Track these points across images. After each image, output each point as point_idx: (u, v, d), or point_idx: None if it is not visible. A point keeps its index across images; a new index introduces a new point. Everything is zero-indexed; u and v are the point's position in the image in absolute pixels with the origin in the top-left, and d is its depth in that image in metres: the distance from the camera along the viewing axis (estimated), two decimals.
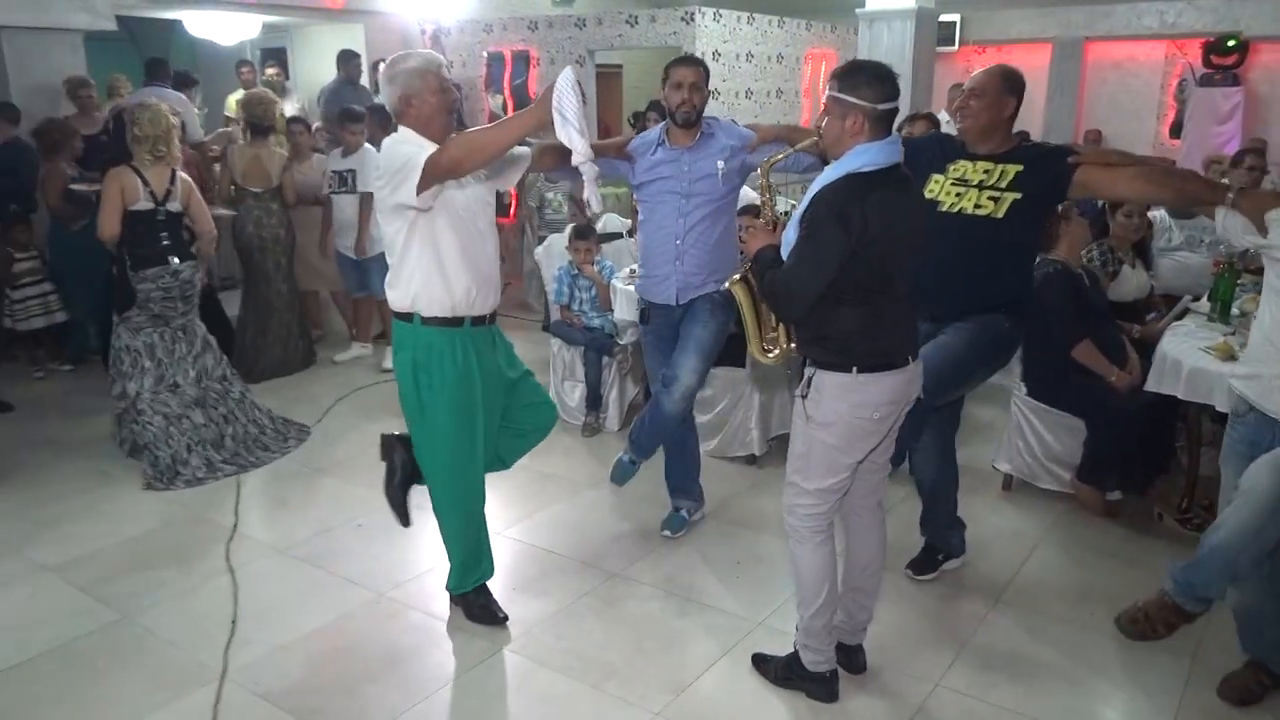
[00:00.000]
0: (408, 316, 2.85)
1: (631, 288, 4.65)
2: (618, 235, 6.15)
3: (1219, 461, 2.78)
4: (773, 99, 8.81)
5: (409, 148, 2.66)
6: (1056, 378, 3.89)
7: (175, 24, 9.02)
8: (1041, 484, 4.03)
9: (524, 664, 2.93)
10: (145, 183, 4.25)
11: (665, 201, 3.38)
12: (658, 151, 3.38)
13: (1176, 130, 10.35)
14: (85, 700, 2.75)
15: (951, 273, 2.93)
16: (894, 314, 2.47)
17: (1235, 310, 3.95)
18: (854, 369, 2.42)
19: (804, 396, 2.52)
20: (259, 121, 5.68)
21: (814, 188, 2.36)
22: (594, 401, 4.89)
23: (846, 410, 2.45)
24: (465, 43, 9.01)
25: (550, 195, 6.88)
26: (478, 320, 2.91)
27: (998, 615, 3.18)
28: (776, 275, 2.44)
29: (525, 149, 3.04)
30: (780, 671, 2.77)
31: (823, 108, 2.42)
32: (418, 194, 2.62)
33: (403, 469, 3.09)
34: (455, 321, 2.85)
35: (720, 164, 3.31)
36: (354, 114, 5.75)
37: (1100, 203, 4.58)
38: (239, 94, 7.68)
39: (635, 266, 5.07)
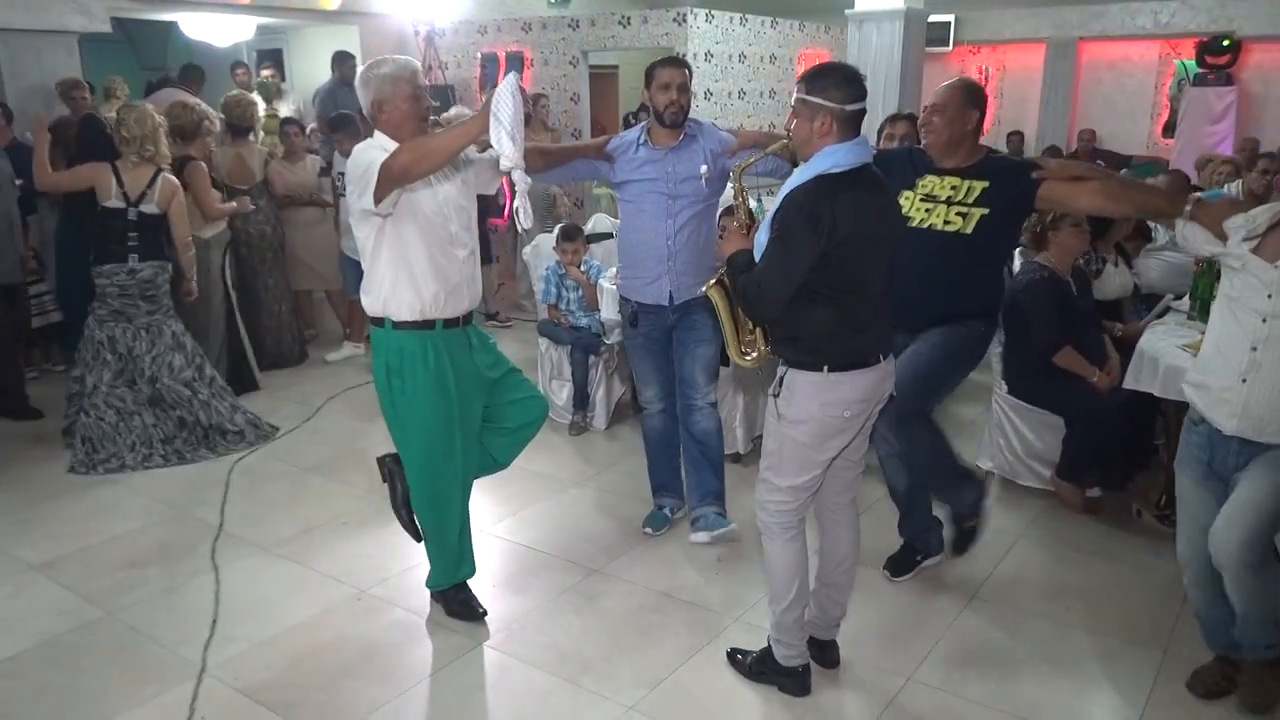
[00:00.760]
0: (380, 321, 2.88)
1: (614, 288, 4.68)
2: (608, 235, 6.18)
3: (1174, 465, 2.79)
4: (766, 100, 8.85)
5: (373, 153, 2.66)
6: (1036, 377, 3.92)
7: (172, 26, 9.07)
8: (1022, 481, 4.06)
9: (502, 659, 2.96)
10: (120, 182, 4.30)
11: (651, 202, 3.39)
12: (640, 151, 3.39)
13: (1170, 130, 10.38)
14: (66, 696, 2.78)
15: (924, 288, 2.97)
16: (866, 313, 2.50)
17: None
18: (825, 368, 2.45)
19: (776, 395, 2.55)
20: (237, 123, 5.75)
21: (784, 190, 2.39)
22: (581, 400, 4.92)
23: (818, 409, 2.48)
24: (459, 44, 9.06)
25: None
26: (450, 323, 2.91)
27: (973, 611, 3.21)
28: (749, 278, 2.47)
29: (513, 76, 3.08)
30: (753, 666, 2.80)
31: (791, 111, 2.45)
32: (376, 201, 2.64)
33: (404, 487, 3.10)
34: (426, 324, 2.86)
35: (704, 168, 3.33)
36: (333, 122, 5.84)
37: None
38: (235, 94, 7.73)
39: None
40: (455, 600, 3.16)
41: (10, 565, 3.53)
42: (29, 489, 4.21)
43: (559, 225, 5.21)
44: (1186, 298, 4.25)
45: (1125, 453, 3.89)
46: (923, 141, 3.05)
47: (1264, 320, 2.44)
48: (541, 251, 5.41)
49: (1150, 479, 4.01)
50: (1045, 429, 3.97)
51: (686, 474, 3.71)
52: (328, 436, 4.87)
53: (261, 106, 6.77)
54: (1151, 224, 5.17)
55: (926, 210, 2.99)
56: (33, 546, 3.67)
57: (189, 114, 5.04)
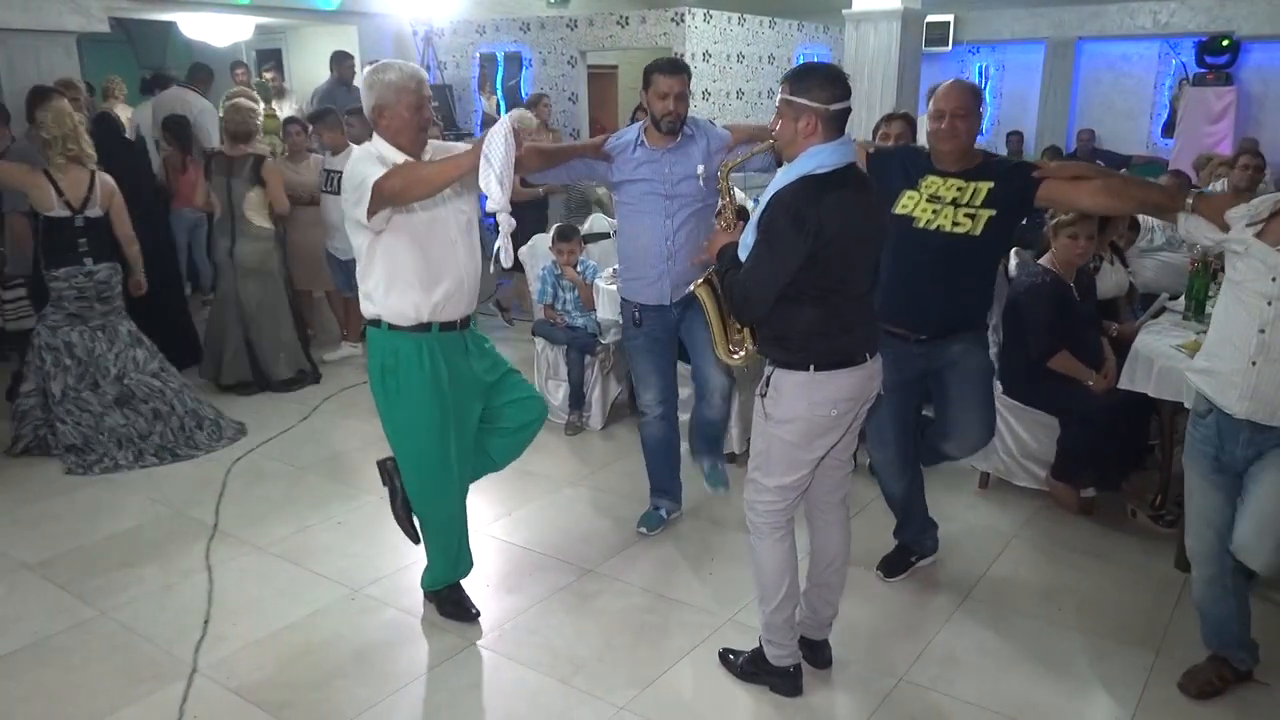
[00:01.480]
0: (376, 322, 2.88)
1: (613, 288, 4.68)
2: (605, 235, 6.18)
3: (1183, 458, 2.79)
4: (765, 100, 8.84)
5: (367, 166, 2.66)
6: (1031, 377, 3.91)
7: (172, 26, 9.08)
8: (1018, 481, 4.05)
9: (494, 658, 2.96)
10: (59, 191, 4.24)
11: (649, 203, 3.39)
12: (637, 151, 3.38)
13: (1169, 130, 10.37)
14: (58, 696, 2.78)
15: (933, 289, 2.97)
16: (852, 312, 2.50)
17: (1209, 309, 3.96)
18: (811, 367, 2.45)
19: (763, 395, 2.55)
20: (236, 130, 5.74)
21: (769, 190, 2.39)
22: (577, 400, 4.92)
23: (805, 408, 2.48)
24: (458, 44, 9.06)
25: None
26: (447, 326, 2.91)
27: (966, 611, 3.21)
28: (735, 278, 2.47)
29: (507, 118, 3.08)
30: (745, 666, 2.80)
31: (776, 111, 2.45)
32: (368, 217, 2.65)
33: (403, 489, 3.10)
34: (423, 327, 2.86)
35: (700, 167, 3.32)
36: (314, 115, 5.86)
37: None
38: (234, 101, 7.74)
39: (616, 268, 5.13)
40: (448, 600, 3.17)
41: (5, 564, 3.53)
42: (25, 488, 4.21)
43: (555, 226, 5.20)
44: (1182, 298, 4.25)
45: (1120, 453, 3.89)
46: (938, 146, 2.96)
47: (1269, 303, 2.44)
48: (538, 251, 5.41)
49: (1145, 479, 4.01)
50: (1040, 429, 3.96)
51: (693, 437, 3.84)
52: (325, 436, 4.87)
53: (260, 107, 6.78)
54: (1144, 223, 5.17)
55: (934, 211, 2.94)
56: (28, 545, 3.67)
57: (243, 117, 5.19)
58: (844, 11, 7.75)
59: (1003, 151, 10.13)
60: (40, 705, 2.74)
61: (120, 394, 4.48)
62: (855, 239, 2.40)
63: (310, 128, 6.16)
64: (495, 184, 2.44)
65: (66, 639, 3.06)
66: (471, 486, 3.17)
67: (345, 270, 5.91)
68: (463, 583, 3.22)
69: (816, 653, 2.85)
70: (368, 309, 2.89)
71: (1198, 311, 3.99)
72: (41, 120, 4.27)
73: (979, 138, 3.08)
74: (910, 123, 4.23)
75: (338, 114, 5.91)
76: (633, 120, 6.22)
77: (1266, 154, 6.30)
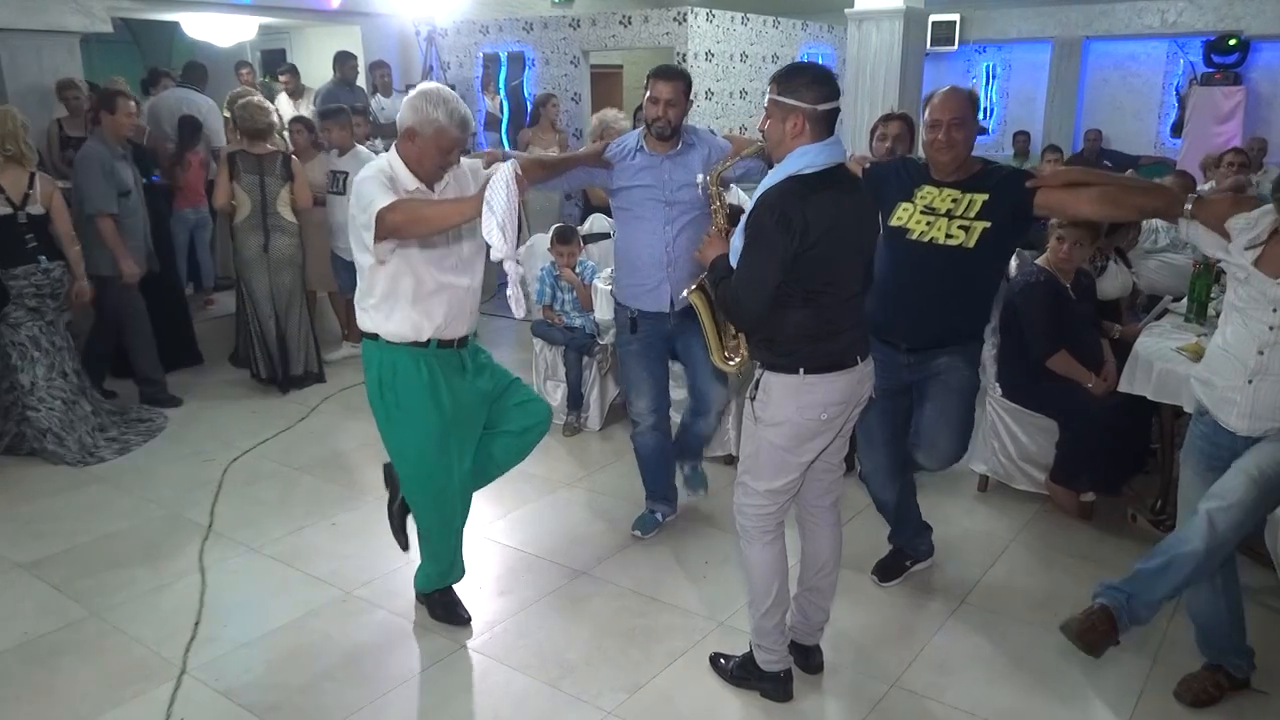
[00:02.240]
0: (373, 336, 2.85)
1: (609, 289, 4.66)
2: (604, 235, 6.16)
3: (1180, 455, 2.76)
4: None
5: (375, 189, 2.61)
6: (1030, 379, 3.88)
7: (177, 26, 9.10)
8: (1017, 485, 4.02)
9: (483, 661, 2.94)
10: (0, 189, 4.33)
11: (648, 209, 3.36)
12: (637, 157, 3.36)
13: (1177, 130, 10.30)
14: (46, 696, 2.78)
15: (924, 302, 2.93)
16: (842, 315, 2.47)
17: (1211, 311, 3.92)
18: (801, 370, 2.43)
19: (753, 398, 2.52)
20: (253, 126, 5.73)
21: (757, 192, 2.37)
22: (575, 401, 4.90)
23: (794, 411, 2.45)
24: (461, 43, 9.05)
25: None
26: (445, 344, 2.88)
27: (961, 616, 3.18)
28: (728, 283, 2.45)
29: (507, 166, 3.07)
30: (735, 671, 2.78)
31: (765, 112, 2.43)
32: (374, 243, 2.63)
33: (404, 497, 3.10)
34: (421, 343, 2.84)
35: (700, 176, 3.29)
36: (324, 113, 5.88)
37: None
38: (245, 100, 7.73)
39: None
40: (440, 604, 3.15)
41: None
42: (21, 488, 4.21)
43: (554, 227, 5.18)
44: (1185, 299, 4.21)
45: (1120, 456, 3.85)
46: (935, 156, 2.90)
47: (1270, 328, 2.43)
48: (536, 252, 5.40)
49: (1146, 483, 3.97)
50: (1039, 432, 3.93)
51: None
52: (322, 437, 4.86)
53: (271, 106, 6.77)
54: (1147, 224, 5.13)
55: (927, 223, 2.90)
56: (21, 545, 3.67)
57: (262, 115, 5.23)
58: (846, 11, 7.71)
59: (1009, 151, 10.09)
60: (27, 706, 2.73)
61: (80, 385, 4.65)
62: (843, 240, 2.37)
63: (313, 129, 6.16)
64: (497, 231, 2.39)
65: (57, 639, 3.05)
66: None
67: (351, 270, 5.89)
68: (455, 585, 3.20)
69: (807, 658, 2.82)
70: (365, 323, 2.86)
71: (1200, 313, 3.95)
72: None
73: (986, 136, 3.03)
74: (909, 123, 4.19)
75: (349, 113, 5.89)
76: (634, 120, 6.21)
77: (1278, 154, 6.25)
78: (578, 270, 4.96)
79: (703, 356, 3.45)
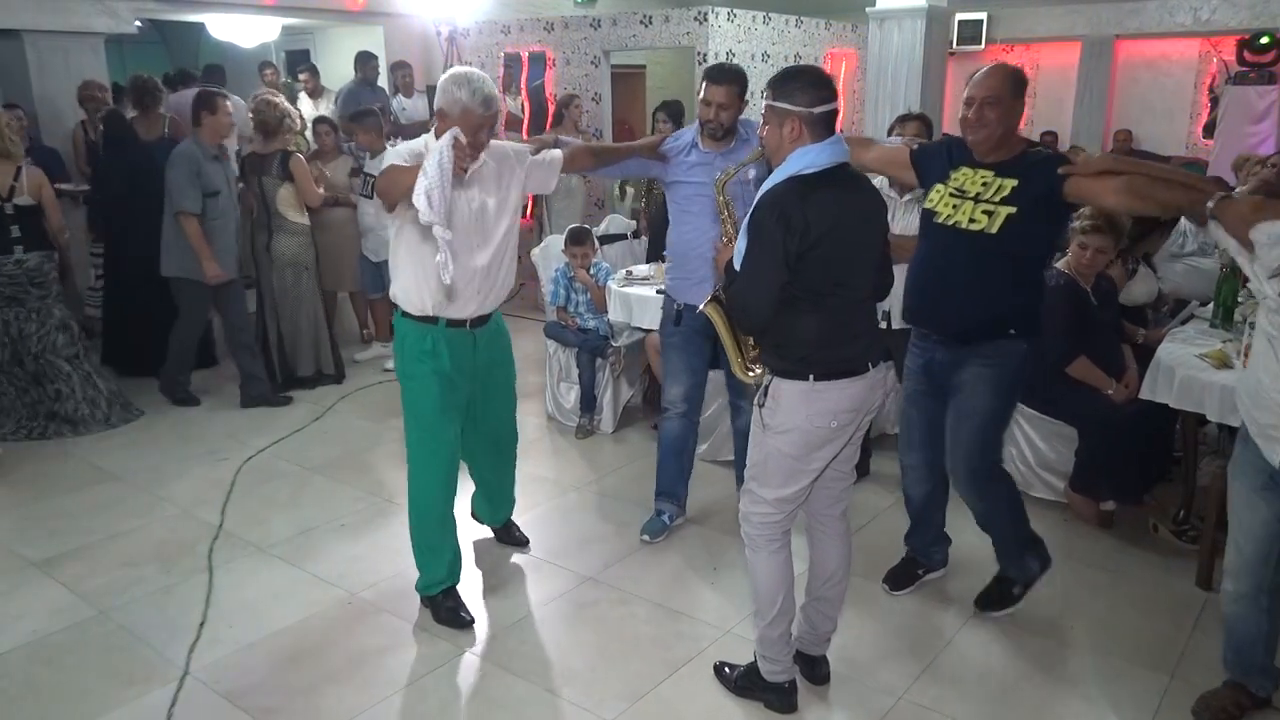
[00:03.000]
0: (402, 311, 3.03)
1: (626, 290, 4.63)
2: (621, 236, 6.14)
3: (1228, 469, 2.58)
4: None
5: (393, 159, 2.82)
6: (1049, 385, 3.79)
7: (204, 27, 9.19)
8: (1035, 493, 3.93)
9: (485, 667, 2.91)
10: None
11: (699, 204, 3.37)
12: (691, 153, 3.39)
13: (1210, 130, 10.10)
14: (49, 696, 2.78)
15: (946, 290, 2.84)
16: (852, 320, 2.42)
17: (1237, 316, 3.82)
18: (811, 377, 2.37)
19: (761, 405, 2.47)
20: (266, 121, 5.76)
21: (759, 194, 2.33)
22: (588, 403, 4.87)
23: (803, 419, 2.40)
24: (483, 44, 9.05)
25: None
26: (455, 323, 3.00)
27: (973, 627, 3.10)
28: (733, 289, 2.40)
29: (557, 153, 3.20)
30: (739, 680, 2.73)
31: (763, 118, 2.39)
32: (388, 210, 2.85)
33: None
34: (430, 320, 2.97)
35: (752, 171, 3.27)
36: (354, 116, 5.87)
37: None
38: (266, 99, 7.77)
39: (634, 268, 5.08)
40: (443, 606, 3.13)
41: (12, 562, 3.55)
42: (35, 485, 4.25)
43: (569, 228, 5.16)
44: (1211, 304, 4.10)
45: (1142, 465, 3.76)
46: (967, 134, 2.80)
47: None
48: (551, 253, 5.38)
49: (1169, 492, 3.87)
50: (1058, 439, 3.84)
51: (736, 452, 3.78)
52: (335, 437, 4.86)
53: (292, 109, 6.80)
54: (1182, 229, 5.00)
55: (954, 206, 2.80)
56: (35, 543, 3.70)
57: (273, 110, 5.27)
58: (867, 9, 7.62)
59: None
60: (30, 706, 2.74)
61: (36, 371, 4.78)
62: (848, 239, 2.32)
63: (337, 129, 6.18)
64: (423, 196, 2.53)
65: (63, 638, 3.06)
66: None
67: (376, 272, 5.93)
68: (459, 588, 3.19)
69: (814, 668, 2.77)
70: (394, 293, 3.03)
71: (1226, 319, 3.85)
72: None
73: None
74: (927, 124, 4.12)
75: (379, 116, 5.90)
76: (653, 120, 6.18)
77: None
78: (592, 272, 4.93)
79: None
